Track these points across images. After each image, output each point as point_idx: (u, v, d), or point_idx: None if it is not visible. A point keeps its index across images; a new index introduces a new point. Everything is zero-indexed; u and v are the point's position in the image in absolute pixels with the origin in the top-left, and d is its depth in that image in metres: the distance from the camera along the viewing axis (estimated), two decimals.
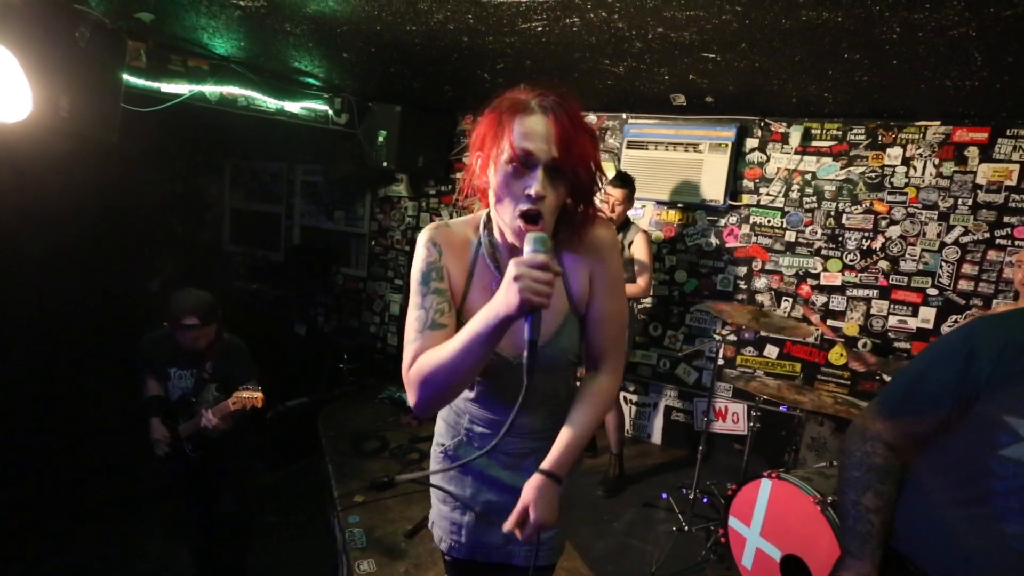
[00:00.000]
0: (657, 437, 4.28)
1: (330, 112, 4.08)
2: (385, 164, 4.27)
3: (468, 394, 1.32)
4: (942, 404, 1.10)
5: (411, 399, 1.14)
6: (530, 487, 1.18)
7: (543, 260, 0.94)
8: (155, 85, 2.85)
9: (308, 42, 3.06)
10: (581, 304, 1.26)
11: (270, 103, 3.60)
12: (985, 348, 1.05)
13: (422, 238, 1.23)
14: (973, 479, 1.04)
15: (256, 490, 3.16)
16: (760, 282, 3.89)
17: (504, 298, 0.96)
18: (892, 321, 3.54)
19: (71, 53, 1.93)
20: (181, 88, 3.00)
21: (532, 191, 1.06)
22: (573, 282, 1.24)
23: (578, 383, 1.35)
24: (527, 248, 0.99)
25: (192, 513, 2.76)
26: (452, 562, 1.47)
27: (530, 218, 1.08)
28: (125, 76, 2.40)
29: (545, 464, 1.20)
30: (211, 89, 3.20)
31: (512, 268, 0.95)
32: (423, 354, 1.11)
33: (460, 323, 1.17)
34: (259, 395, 2.37)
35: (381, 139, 4.20)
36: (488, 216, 1.25)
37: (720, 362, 3.27)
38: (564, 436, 1.23)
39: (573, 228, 1.22)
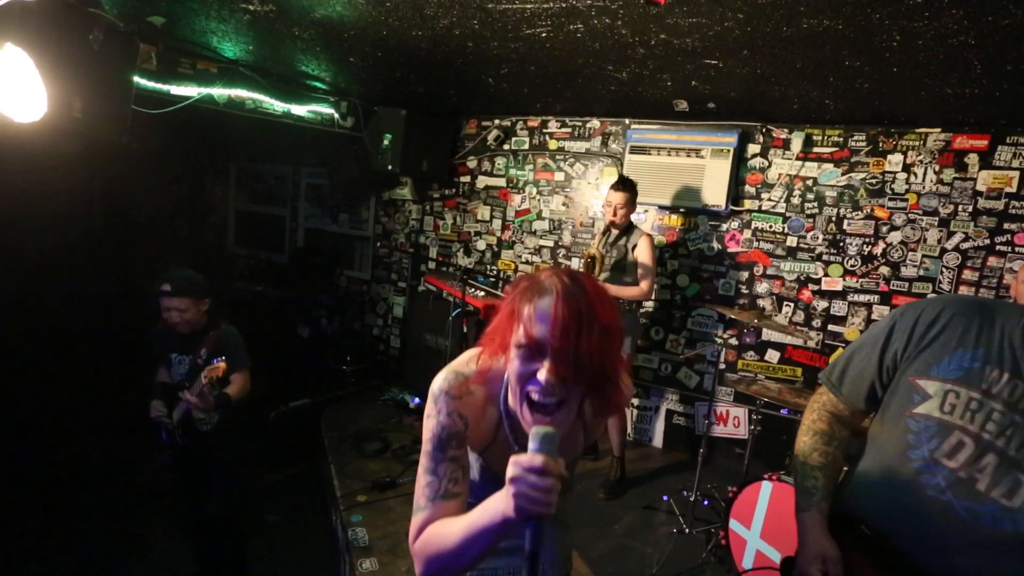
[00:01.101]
0: (658, 441, 4.29)
1: (336, 116, 4.12)
2: (390, 167, 4.30)
3: None
4: (867, 374, 1.27)
5: (417, 570, 1.07)
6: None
7: (541, 464, 0.84)
8: (165, 87, 2.89)
9: (315, 46, 3.10)
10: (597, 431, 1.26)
11: (277, 106, 3.64)
12: (901, 324, 1.23)
13: (446, 403, 1.10)
14: (897, 439, 1.18)
15: (250, 492, 3.17)
16: (762, 287, 3.91)
17: (503, 500, 0.88)
18: None
19: (84, 55, 1.97)
20: (190, 90, 3.04)
21: (541, 378, 0.97)
22: (591, 426, 1.24)
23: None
24: (531, 446, 0.88)
25: (185, 513, 2.79)
26: None
27: (537, 407, 0.99)
28: (135, 78, 2.44)
29: None
30: (219, 92, 3.24)
31: (510, 469, 0.87)
32: (430, 527, 1.05)
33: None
34: (221, 365, 2.36)
35: (386, 142, 4.24)
36: (506, 383, 1.12)
37: (721, 366, 3.29)
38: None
39: (598, 407, 1.09)
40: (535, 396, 0.98)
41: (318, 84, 3.97)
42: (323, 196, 5.82)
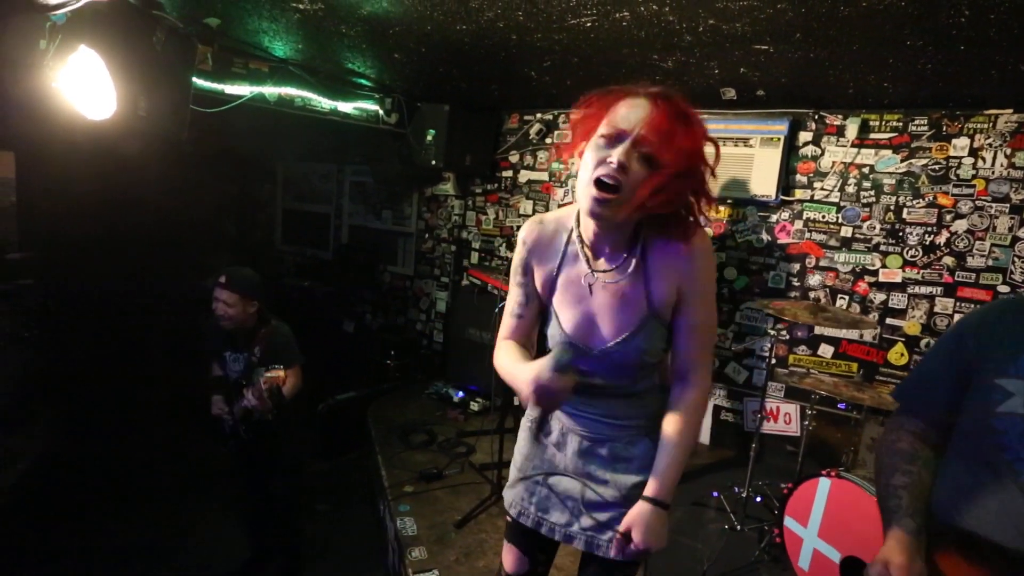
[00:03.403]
0: (705, 437, 4.20)
1: (380, 112, 4.18)
2: (433, 162, 4.34)
3: None
4: (939, 384, 1.25)
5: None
6: (634, 512, 1.24)
7: (556, 382, 1.07)
8: (219, 87, 2.99)
9: (361, 43, 3.14)
10: (663, 310, 1.24)
11: (324, 103, 3.72)
12: (968, 329, 1.23)
13: (521, 233, 1.38)
14: (982, 441, 1.16)
15: (307, 477, 3.27)
16: (814, 279, 3.78)
17: (526, 382, 1.12)
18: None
19: (148, 56, 2.05)
20: (243, 89, 3.13)
21: (614, 157, 1.06)
22: (656, 288, 1.23)
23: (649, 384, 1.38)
24: (550, 358, 1.09)
25: (247, 494, 2.88)
26: (515, 524, 1.50)
27: (604, 185, 1.08)
28: (193, 78, 2.53)
29: (648, 491, 1.24)
30: (270, 90, 3.33)
31: (534, 370, 1.10)
32: (500, 347, 1.36)
33: (549, 311, 1.36)
34: (280, 374, 2.43)
35: (430, 138, 4.27)
36: (577, 214, 1.29)
37: (771, 361, 3.19)
38: (662, 460, 1.25)
39: (666, 232, 1.20)
40: (603, 172, 1.07)
41: (363, 81, 4.03)
42: (367, 193, 5.92)
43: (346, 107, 3.90)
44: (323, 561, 3.00)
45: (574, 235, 1.29)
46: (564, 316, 1.32)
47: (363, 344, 5.59)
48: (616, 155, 1.06)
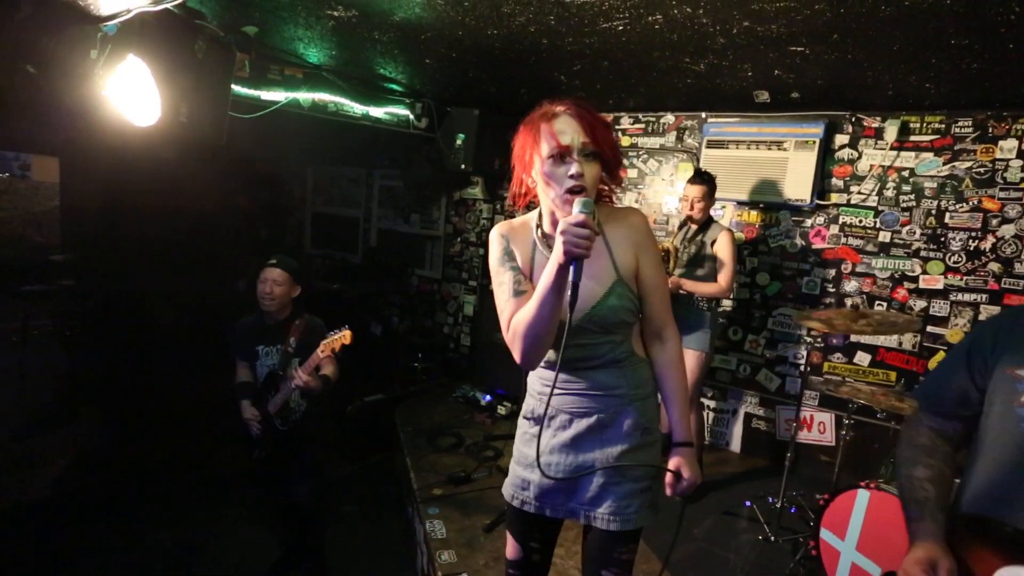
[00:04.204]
0: (736, 445, 4.13)
1: (411, 117, 4.22)
2: (463, 166, 4.37)
3: (542, 363, 1.52)
4: (956, 379, 1.30)
5: (515, 356, 1.41)
6: (676, 458, 1.48)
7: (582, 219, 1.18)
8: (256, 93, 3.05)
9: (393, 49, 3.18)
10: (627, 273, 1.45)
11: (357, 108, 3.77)
12: (985, 331, 1.29)
13: (493, 234, 1.55)
14: (1013, 431, 1.18)
15: (330, 481, 3.29)
16: (850, 285, 3.68)
17: (556, 251, 1.21)
18: None
19: (190, 64, 2.11)
20: (278, 95, 3.20)
21: (573, 171, 1.31)
22: (617, 255, 1.45)
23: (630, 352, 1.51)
24: (574, 209, 1.22)
25: (271, 499, 2.91)
26: (514, 513, 1.61)
27: (575, 192, 1.32)
28: (232, 85, 2.58)
29: (678, 437, 1.49)
30: (304, 96, 3.40)
31: (560, 224, 1.21)
32: (514, 317, 1.39)
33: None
34: (346, 332, 2.49)
35: (459, 142, 4.30)
36: (539, 215, 1.52)
37: (806, 369, 3.12)
38: (675, 410, 1.51)
39: (609, 210, 1.50)
40: (571, 184, 1.31)
41: (394, 86, 4.08)
42: (395, 197, 5.98)
43: (377, 112, 3.95)
44: (352, 562, 3.02)
45: (536, 239, 1.50)
46: None
47: (391, 347, 5.64)
48: (574, 168, 1.31)
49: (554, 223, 1.43)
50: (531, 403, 1.59)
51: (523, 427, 1.62)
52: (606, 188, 1.50)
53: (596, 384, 1.47)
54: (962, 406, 1.30)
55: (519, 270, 1.48)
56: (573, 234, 1.18)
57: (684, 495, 1.50)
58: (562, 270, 1.22)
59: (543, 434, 1.51)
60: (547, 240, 1.48)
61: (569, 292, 1.22)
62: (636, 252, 1.46)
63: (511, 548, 1.65)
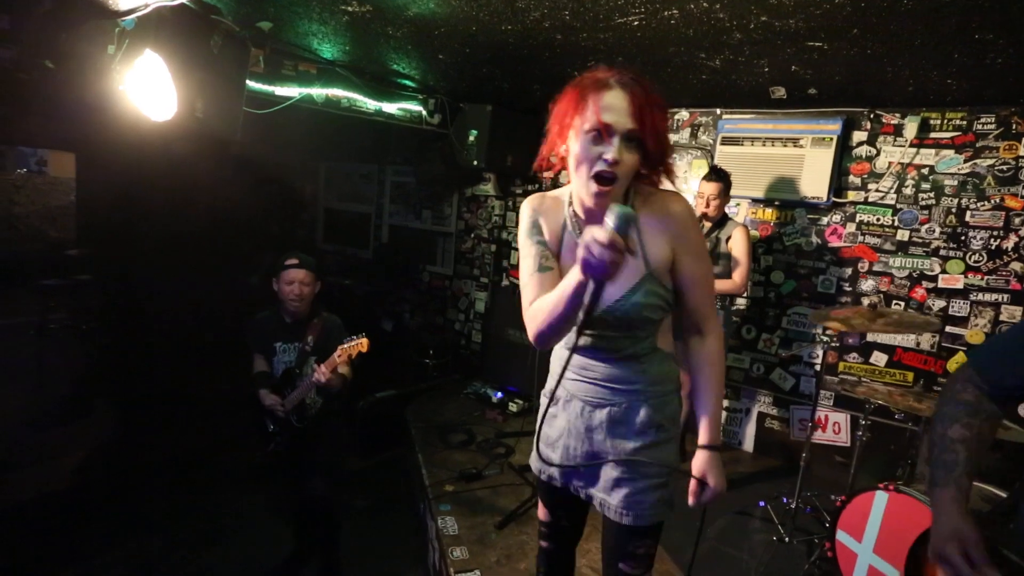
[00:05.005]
0: (749, 445, 4.10)
1: (424, 113, 4.21)
2: (476, 163, 4.36)
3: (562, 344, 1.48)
4: (1020, 355, 1.19)
5: (530, 334, 1.34)
6: (701, 461, 1.38)
7: (610, 239, 1.02)
8: (270, 88, 3.06)
9: (407, 44, 3.17)
10: (659, 267, 1.33)
11: (370, 104, 3.77)
12: None
13: (524, 206, 1.45)
14: None
15: (345, 476, 3.30)
16: (867, 284, 3.63)
17: (578, 259, 1.08)
18: None
19: (206, 59, 2.11)
20: (292, 91, 3.20)
21: (609, 156, 1.19)
22: (649, 247, 1.33)
23: (655, 347, 1.42)
24: (606, 219, 1.05)
25: (286, 493, 2.92)
26: (541, 482, 1.60)
27: (603, 179, 1.22)
28: (246, 80, 2.59)
29: (705, 439, 1.39)
30: (318, 91, 3.40)
31: (585, 234, 1.06)
32: (536, 300, 1.32)
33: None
34: (363, 340, 2.50)
35: (472, 138, 4.29)
36: (571, 192, 1.40)
37: (821, 368, 3.08)
38: (707, 409, 1.40)
39: (647, 194, 1.36)
40: (602, 167, 1.20)
41: (407, 82, 4.07)
42: (407, 193, 5.98)
43: (390, 108, 3.94)
44: (363, 558, 3.02)
45: (569, 210, 1.40)
46: None
47: (402, 343, 5.64)
48: (611, 153, 1.19)
49: (583, 208, 1.35)
50: (550, 382, 1.53)
51: (543, 406, 1.57)
52: (645, 171, 1.35)
53: (611, 376, 1.41)
54: (1018, 384, 1.19)
55: (545, 244, 1.40)
56: (597, 254, 1.03)
57: (708, 504, 1.41)
58: (581, 285, 1.12)
59: (559, 415, 1.51)
60: (577, 220, 1.39)
61: (581, 314, 1.15)
62: (673, 244, 1.33)
63: (542, 511, 1.67)
